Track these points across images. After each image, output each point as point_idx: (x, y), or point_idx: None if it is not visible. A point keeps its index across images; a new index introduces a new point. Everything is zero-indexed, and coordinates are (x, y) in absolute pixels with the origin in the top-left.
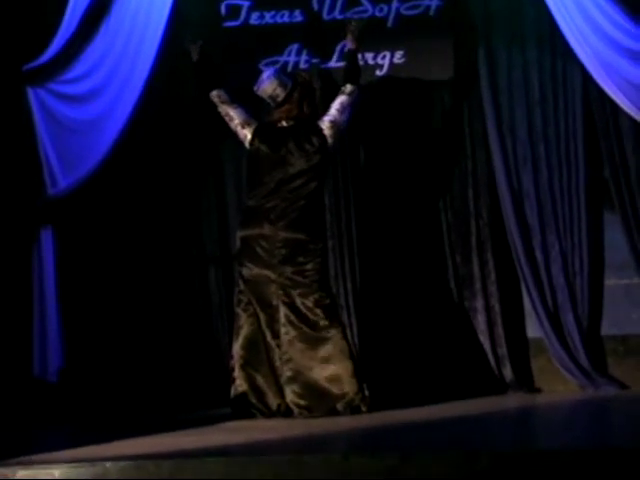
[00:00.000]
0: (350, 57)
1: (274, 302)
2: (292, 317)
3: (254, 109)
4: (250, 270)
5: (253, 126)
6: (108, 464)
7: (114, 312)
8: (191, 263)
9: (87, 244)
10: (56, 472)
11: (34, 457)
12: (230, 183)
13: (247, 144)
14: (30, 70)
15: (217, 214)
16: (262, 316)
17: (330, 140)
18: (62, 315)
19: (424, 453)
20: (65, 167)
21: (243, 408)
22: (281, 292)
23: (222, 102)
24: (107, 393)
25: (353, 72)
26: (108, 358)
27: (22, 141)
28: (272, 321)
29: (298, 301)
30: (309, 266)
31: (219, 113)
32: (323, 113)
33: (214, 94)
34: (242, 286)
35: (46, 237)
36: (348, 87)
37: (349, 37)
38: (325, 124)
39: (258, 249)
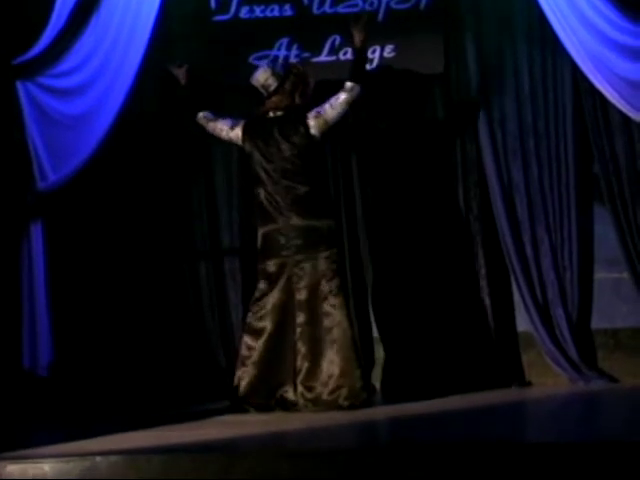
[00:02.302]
0: (355, 54)
1: (293, 294)
2: (306, 309)
3: (244, 104)
4: (271, 264)
5: (241, 124)
6: (98, 459)
7: (104, 306)
8: (181, 258)
9: (77, 238)
10: (46, 466)
11: (24, 451)
12: (220, 178)
13: (241, 142)
14: (19, 64)
15: (207, 209)
16: (281, 309)
17: (313, 130)
18: (52, 309)
19: (417, 448)
20: (55, 161)
21: (243, 401)
22: (298, 283)
23: (209, 121)
24: (98, 387)
25: (357, 69)
26: (99, 352)
27: (11, 135)
28: (290, 314)
29: (312, 292)
30: (325, 254)
31: (209, 132)
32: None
33: (200, 116)
34: (262, 282)
35: (36, 231)
36: (348, 84)
37: (354, 33)
38: (312, 114)
39: (276, 243)
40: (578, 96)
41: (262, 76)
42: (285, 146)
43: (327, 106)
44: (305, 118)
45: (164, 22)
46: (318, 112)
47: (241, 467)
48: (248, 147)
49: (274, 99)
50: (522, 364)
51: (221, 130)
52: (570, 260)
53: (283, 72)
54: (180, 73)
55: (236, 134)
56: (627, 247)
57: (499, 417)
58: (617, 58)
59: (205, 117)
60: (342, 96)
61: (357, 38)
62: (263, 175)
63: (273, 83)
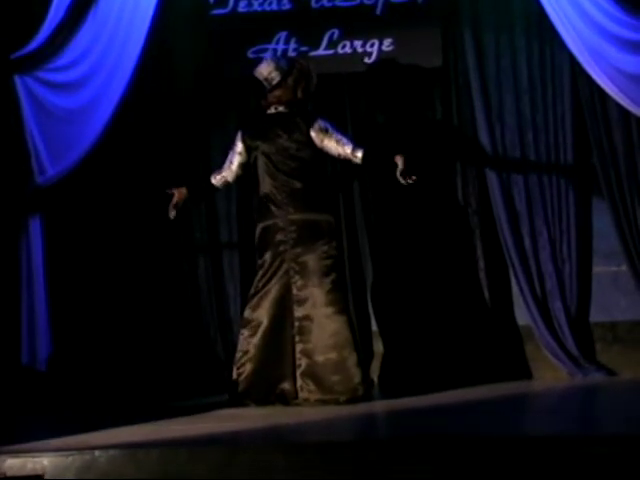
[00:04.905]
0: (389, 159)
1: (291, 288)
2: (304, 303)
3: (241, 98)
4: (269, 258)
5: (239, 134)
6: (97, 452)
7: (103, 300)
8: (180, 251)
9: (76, 232)
10: (45, 460)
11: (23, 445)
12: None
13: (244, 148)
14: (18, 58)
15: (206, 203)
16: (279, 304)
17: (312, 132)
18: (51, 303)
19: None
20: (53, 155)
21: (242, 396)
22: (296, 277)
23: (222, 172)
24: (96, 381)
25: (374, 160)
26: (97, 346)
27: (9, 129)
28: (288, 309)
29: (310, 287)
30: (324, 248)
31: (232, 180)
32: (332, 127)
33: (215, 182)
34: (260, 276)
35: (34, 225)
36: (359, 156)
37: (402, 170)
38: (320, 123)
39: (275, 237)
40: (576, 89)
41: (266, 69)
42: (286, 142)
43: (335, 136)
44: (310, 119)
45: (162, 16)
46: (326, 128)
47: (240, 461)
48: (249, 144)
49: (276, 93)
50: (526, 357)
51: (233, 166)
52: (569, 253)
53: (287, 66)
54: (177, 200)
55: (240, 145)
56: (626, 240)
57: (497, 411)
58: (615, 51)
59: (219, 178)
60: (349, 151)
61: (401, 167)
62: (263, 170)
63: (276, 77)
